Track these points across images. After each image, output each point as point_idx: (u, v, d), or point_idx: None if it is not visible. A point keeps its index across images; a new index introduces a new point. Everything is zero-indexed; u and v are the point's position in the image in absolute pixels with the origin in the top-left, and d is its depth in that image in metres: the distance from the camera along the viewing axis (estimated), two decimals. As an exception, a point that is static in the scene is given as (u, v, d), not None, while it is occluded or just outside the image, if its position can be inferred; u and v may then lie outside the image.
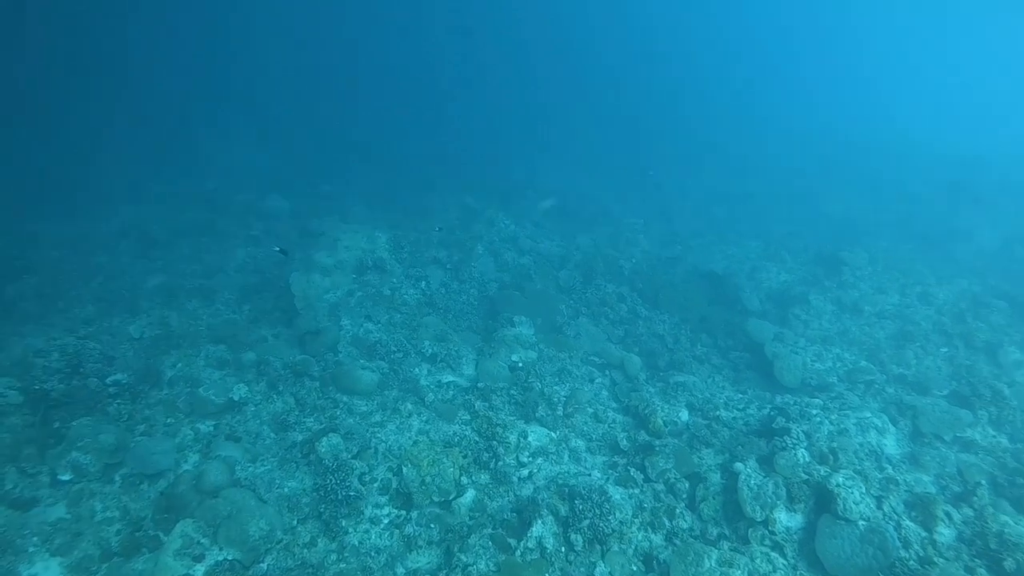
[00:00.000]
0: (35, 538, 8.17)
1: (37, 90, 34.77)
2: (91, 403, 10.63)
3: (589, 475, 10.92)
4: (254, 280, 16.93)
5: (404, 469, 9.96)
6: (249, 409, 11.50)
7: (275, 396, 11.99)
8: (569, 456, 11.53)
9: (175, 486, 9.01)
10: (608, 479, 10.78)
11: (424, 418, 12.17)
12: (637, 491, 10.36)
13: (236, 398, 11.48)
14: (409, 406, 12.41)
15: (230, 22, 51.95)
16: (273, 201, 23.25)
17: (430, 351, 14.52)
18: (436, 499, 9.88)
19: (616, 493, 10.12)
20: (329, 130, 39.17)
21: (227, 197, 23.91)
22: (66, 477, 9.16)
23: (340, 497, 9.48)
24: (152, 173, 26.70)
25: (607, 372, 14.75)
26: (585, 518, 9.30)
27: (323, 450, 10.15)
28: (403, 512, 9.72)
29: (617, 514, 9.46)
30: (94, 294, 15.09)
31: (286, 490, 9.78)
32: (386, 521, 9.62)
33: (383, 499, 9.94)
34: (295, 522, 9.23)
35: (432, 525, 9.53)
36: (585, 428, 12.34)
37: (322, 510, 9.42)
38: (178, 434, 10.61)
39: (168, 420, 10.96)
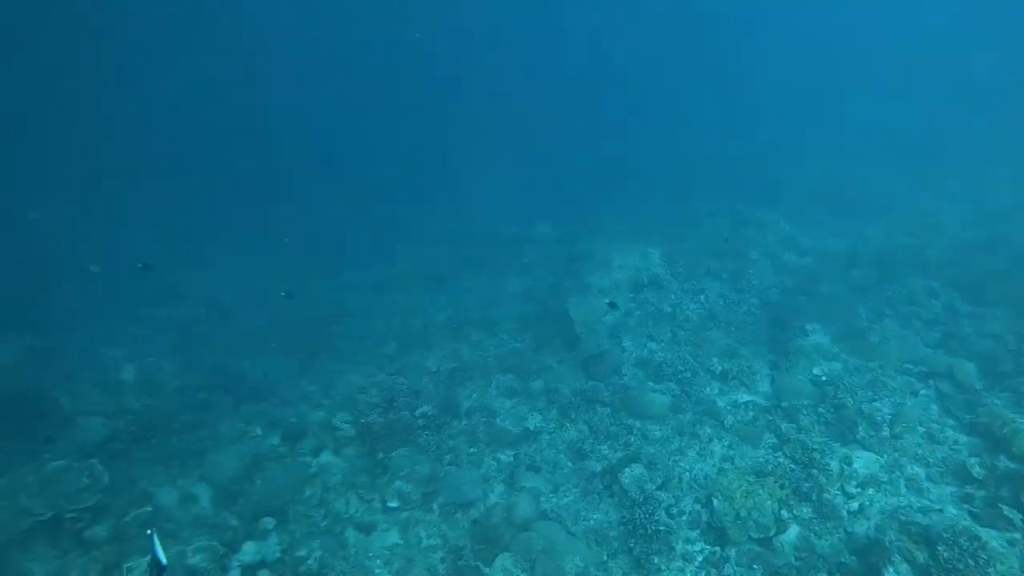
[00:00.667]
0: (378, 560, 9.35)
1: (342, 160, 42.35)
2: (405, 435, 12.03)
3: (941, 511, 8.94)
4: (531, 308, 17.84)
5: (715, 502, 9.22)
6: (544, 438, 11.90)
7: (568, 424, 12.25)
8: (906, 486, 9.73)
9: (488, 517, 9.60)
10: (970, 517, 8.71)
11: (726, 443, 11.31)
12: (1019, 536, 8.18)
13: (531, 427, 11.98)
14: (708, 430, 11.66)
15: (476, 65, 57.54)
16: (538, 228, 24.60)
17: (719, 368, 13.64)
18: (754, 535, 8.98)
19: (990, 537, 8.05)
20: (572, 154, 40.65)
21: (492, 230, 26.07)
22: (394, 504, 10.38)
23: (649, 532, 9.11)
24: (424, 214, 30.45)
25: (930, 382, 12.39)
26: (956, 570, 7.52)
27: (627, 481, 9.94)
28: (718, 549, 8.98)
29: (999, 566, 7.49)
30: (395, 332, 17.38)
31: (592, 523, 9.76)
32: (700, 559, 9.00)
33: (694, 534, 9.33)
34: (605, 557, 9.11)
35: (755, 566, 8.66)
36: (919, 451, 10.43)
37: (631, 545, 9.15)
38: (482, 464, 11.39)
39: (471, 450, 11.86)
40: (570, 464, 11.34)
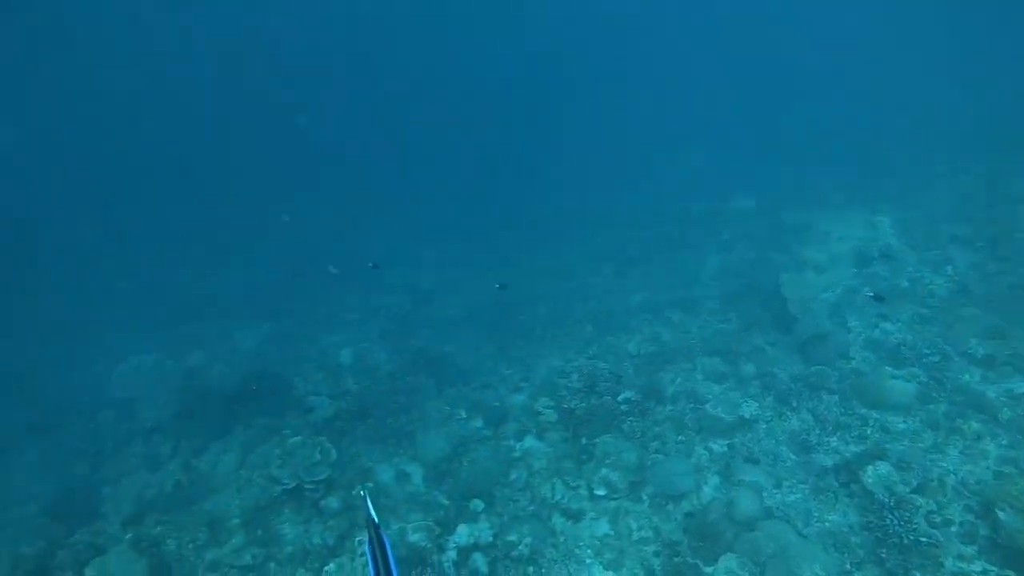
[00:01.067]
0: (589, 550, 9.38)
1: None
2: (608, 420, 11.93)
3: None
4: (735, 286, 16.82)
5: (1000, 514, 7.87)
6: (761, 427, 11.11)
7: (788, 412, 11.32)
8: None
9: (706, 513, 9.17)
10: None
11: (1003, 441, 9.65)
12: None
13: (746, 415, 11.26)
14: (974, 425, 10.03)
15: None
16: (737, 202, 23.16)
17: (980, 352, 11.70)
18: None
19: None
20: (772, 118, 37.64)
21: (684, 208, 25.03)
22: (601, 492, 10.34)
23: (907, 542, 8.05)
24: (613, 198, 30.10)
25: None
26: None
27: (870, 480, 8.90)
28: (1008, 573, 7.66)
29: None
30: (590, 315, 17.37)
31: (827, 525, 8.88)
32: (983, 583, 7.77)
33: (969, 550, 8.06)
34: (849, 567, 8.24)
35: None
36: None
37: (883, 555, 8.15)
38: (692, 453, 10.93)
39: (679, 438, 11.43)
40: (794, 457, 10.45)
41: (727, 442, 11.02)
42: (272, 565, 9.55)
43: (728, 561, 8.20)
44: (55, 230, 30.17)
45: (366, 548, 3.87)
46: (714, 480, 10.24)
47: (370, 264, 13.63)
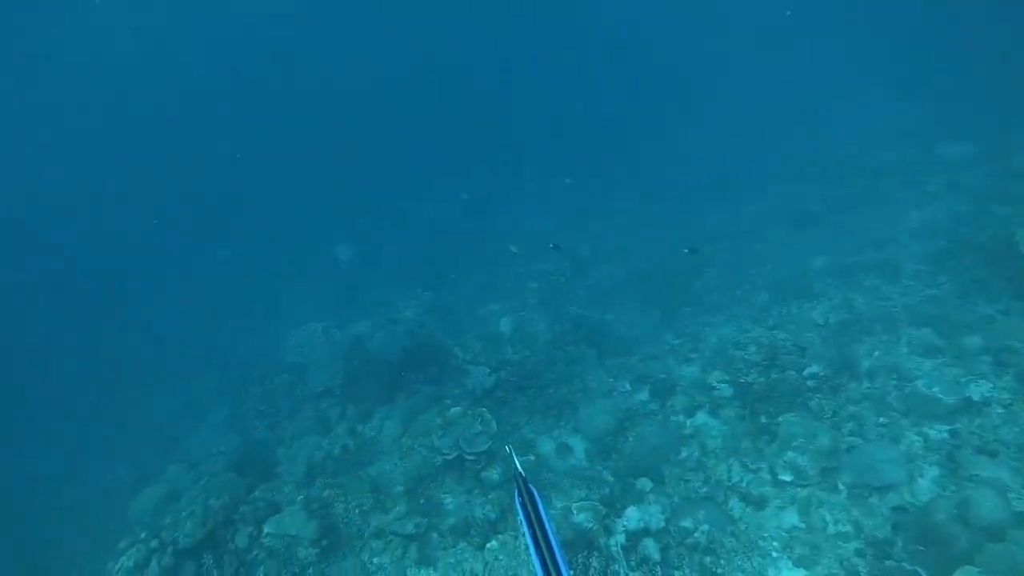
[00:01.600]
0: (775, 543, 8.16)
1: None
2: (792, 397, 10.44)
3: None
4: (943, 245, 14.19)
5: None
6: (996, 412, 9.05)
7: (1037, 395, 9.15)
8: None
9: (928, 512, 7.53)
10: None
11: None
12: None
13: (975, 397, 9.24)
14: None
15: None
16: (946, 149, 19.71)
17: None
18: None
19: None
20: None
21: (872, 159, 21.79)
22: (787, 477, 9.00)
23: None
24: (786, 151, 27.11)
25: None
26: None
27: None
28: None
29: None
30: (765, 280, 15.60)
31: (1101, 540, 6.95)
32: None
33: None
34: None
35: None
36: None
37: None
38: (901, 439, 9.18)
39: (880, 420, 9.69)
40: (1046, 450, 8.39)
41: (948, 428, 9.11)
42: (435, 535, 9.40)
43: (966, 574, 6.58)
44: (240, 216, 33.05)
45: (516, 502, 3.71)
46: (933, 472, 8.46)
47: (551, 245, 13.20)
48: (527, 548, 3.43)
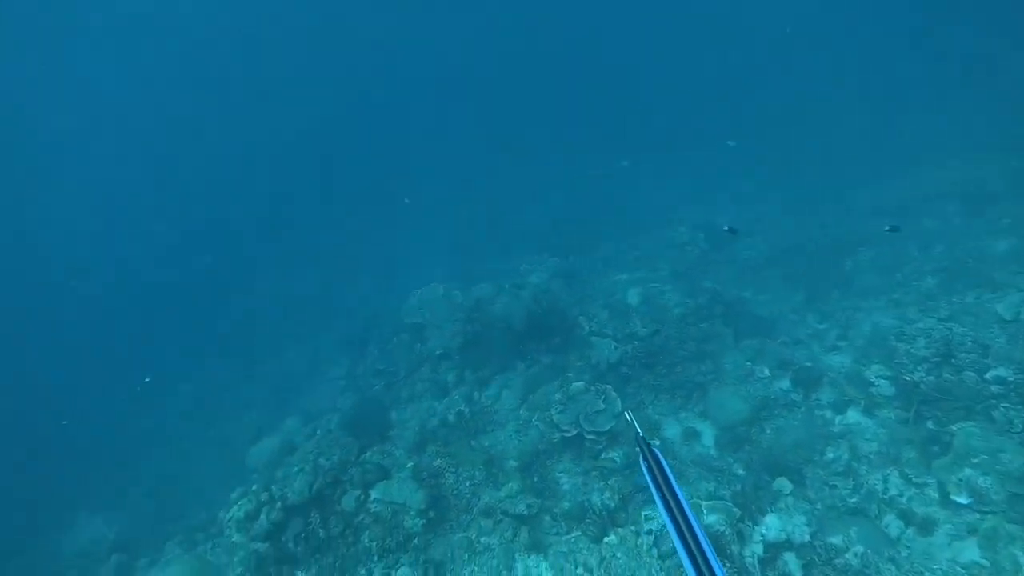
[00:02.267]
0: (946, 579, 6.95)
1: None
2: (970, 403, 8.87)
3: None
4: None
5: None
6: None
7: None
8: None
9: None
10: None
11: None
12: None
13: None
14: None
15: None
16: None
17: None
18: None
19: None
20: None
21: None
22: (962, 500, 7.64)
23: None
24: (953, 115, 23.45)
25: None
26: None
27: None
28: None
29: None
30: (934, 264, 13.53)
31: None
32: None
33: None
34: None
35: None
36: None
37: None
38: (1117, 468, 7.51)
39: (1088, 441, 8.00)
40: None
41: None
42: (547, 519, 8.94)
43: None
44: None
45: (642, 467, 3.51)
46: None
47: (725, 228, 12.16)
48: (660, 516, 3.46)
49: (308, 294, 24.08)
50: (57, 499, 15.88)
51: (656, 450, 3.46)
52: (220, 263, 28.57)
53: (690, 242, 16.53)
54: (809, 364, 11.01)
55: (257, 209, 34.26)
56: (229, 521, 9.60)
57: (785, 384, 10.91)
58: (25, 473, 17.02)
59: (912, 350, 9.65)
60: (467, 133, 38.90)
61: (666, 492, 3.16)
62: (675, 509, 3.00)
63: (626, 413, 4.54)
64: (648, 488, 3.41)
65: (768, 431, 9.96)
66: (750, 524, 7.96)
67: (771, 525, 7.87)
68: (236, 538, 9.41)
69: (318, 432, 12.14)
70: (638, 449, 3.57)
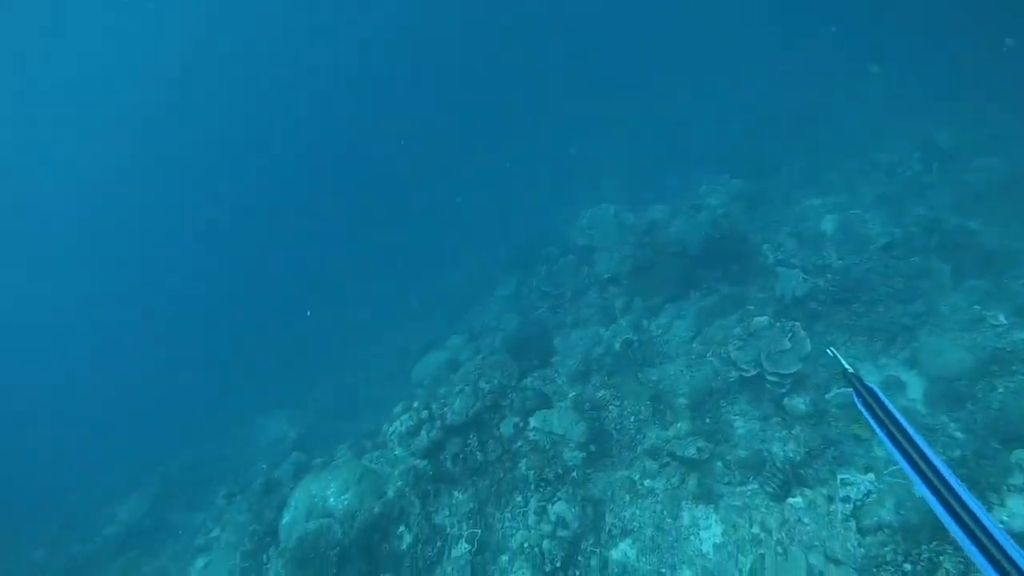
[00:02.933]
0: None
1: None
2: None
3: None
4: None
5: None
6: None
7: None
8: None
9: None
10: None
11: None
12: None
13: None
14: None
15: None
16: None
17: None
18: None
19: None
20: None
21: None
22: None
23: None
24: None
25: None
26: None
27: None
28: None
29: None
30: None
31: None
32: None
33: None
34: None
35: None
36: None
37: None
38: None
39: None
40: None
41: None
42: (718, 465, 8.06)
43: None
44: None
45: (860, 408, 3.02)
46: None
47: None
48: (893, 457, 2.93)
49: (481, 215, 24.29)
50: (257, 400, 17.87)
51: (871, 384, 2.98)
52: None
53: (901, 163, 13.86)
54: (1065, 312, 8.81)
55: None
56: (391, 435, 9.89)
57: (1027, 335, 8.87)
58: (234, 370, 19.38)
59: None
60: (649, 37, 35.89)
61: (894, 430, 2.66)
62: (908, 447, 2.53)
63: (828, 349, 4.11)
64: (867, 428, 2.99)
65: (1000, 390, 8.16)
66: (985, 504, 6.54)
67: (1013, 509, 6.38)
68: (398, 451, 9.69)
69: (481, 352, 12.11)
70: (850, 388, 3.11)
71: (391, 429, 10.19)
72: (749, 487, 7.61)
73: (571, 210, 16.78)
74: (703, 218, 11.79)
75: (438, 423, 9.71)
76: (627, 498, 8.08)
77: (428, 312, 19.17)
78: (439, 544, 8.71)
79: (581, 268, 13.67)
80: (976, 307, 9.61)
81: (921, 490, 2.38)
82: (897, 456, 2.59)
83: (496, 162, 27.63)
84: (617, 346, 11.05)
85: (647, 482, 8.13)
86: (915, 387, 8.90)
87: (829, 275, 10.88)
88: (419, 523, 8.83)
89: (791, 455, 7.63)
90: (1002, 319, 9.22)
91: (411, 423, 9.90)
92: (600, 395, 9.53)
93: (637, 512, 7.92)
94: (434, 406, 10.07)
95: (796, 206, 13.65)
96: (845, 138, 16.48)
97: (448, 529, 8.96)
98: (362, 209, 30.71)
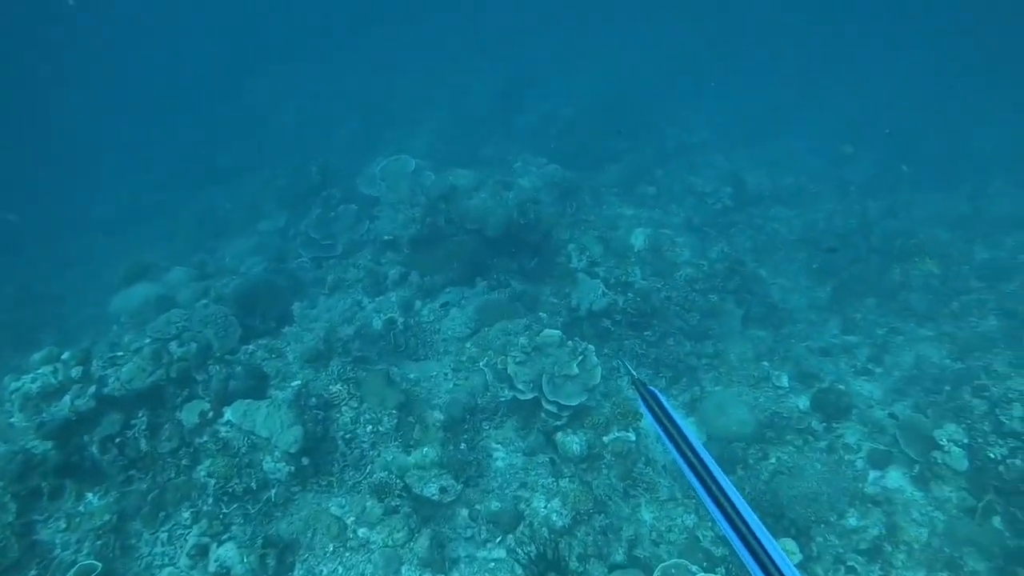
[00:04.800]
0: None
1: None
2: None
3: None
4: None
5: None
6: None
7: None
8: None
9: None
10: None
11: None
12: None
13: None
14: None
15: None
16: None
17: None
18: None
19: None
20: None
21: None
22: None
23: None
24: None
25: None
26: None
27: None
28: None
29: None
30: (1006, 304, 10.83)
31: None
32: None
33: None
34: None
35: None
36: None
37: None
38: None
39: None
40: None
41: None
42: (463, 514, 6.00)
43: None
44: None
45: (643, 411, 3.14)
46: None
47: (825, 247, 9.01)
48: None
49: (284, 130, 20.23)
50: None
51: (655, 390, 2.84)
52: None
53: (714, 193, 13.25)
54: (842, 388, 8.28)
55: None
56: (14, 393, 6.43)
57: (804, 402, 8.24)
58: None
59: (1004, 417, 6.93)
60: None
61: (674, 433, 2.52)
62: (686, 450, 2.40)
63: (616, 358, 5.01)
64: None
65: (773, 460, 7.32)
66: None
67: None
68: (16, 418, 6.30)
69: (208, 296, 8.91)
70: (636, 392, 2.97)
71: (17, 385, 6.67)
72: (494, 554, 5.72)
73: (372, 155, 13.95)
74: (511, 199, 9.78)
75: (92, 388, 6.51)
76: (330, 548, 5.71)
77: (181, 230, 15.02)
78: (32, 576, 5.64)
79: (361, 222, 10.99)
80: (763, 363, 8.89)
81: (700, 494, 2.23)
82: (676, 457, 2.48)
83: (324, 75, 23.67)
84: (378, 325, 8.64)
85: (362, 531, 5.81)
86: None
87: (631, 294, 9.55)
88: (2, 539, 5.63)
89: (554, 518, 5.88)
90: (784, 382, 8.54)
91: (51, 381, 6.55)
92: (335, 390, 6.97)
93: (339, 570, 5.62)
94: (97, 363, 6.79)
95: (608, 210, 12.34)
96: (669, 151, 15.78)
97: (55, 552, 5.88)
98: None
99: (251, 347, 7.29)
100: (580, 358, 7.22)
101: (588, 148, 15.05)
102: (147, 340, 7.01)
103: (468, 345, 7.91)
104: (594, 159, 14.70)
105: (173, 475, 6.33)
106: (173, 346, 6.74)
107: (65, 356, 6.60)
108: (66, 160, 21.72)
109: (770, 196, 13.61)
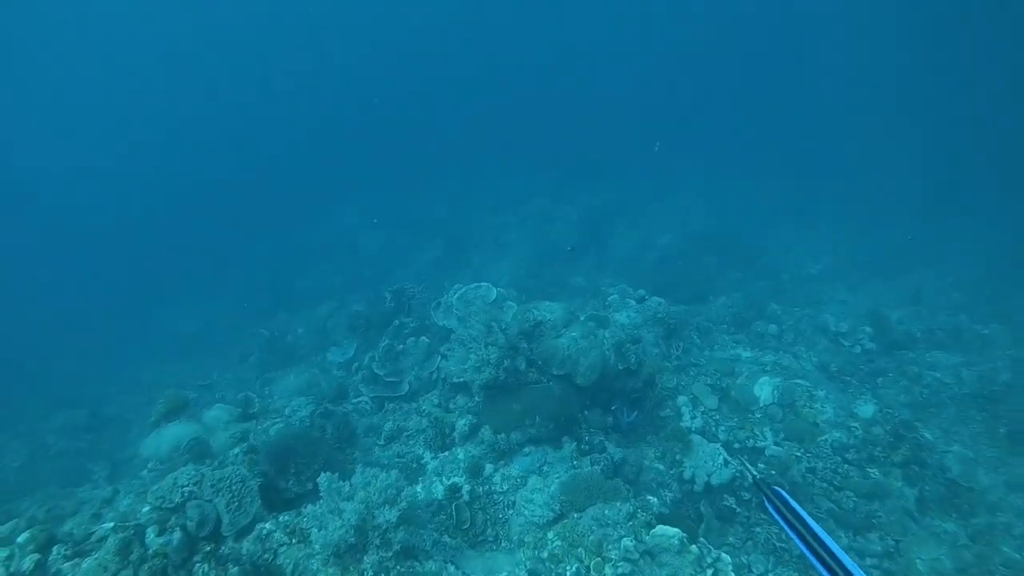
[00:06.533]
0: None
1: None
2: None
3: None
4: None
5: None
6: None
7: None
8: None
9: None
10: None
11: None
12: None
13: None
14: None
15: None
16: None
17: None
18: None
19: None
20: None
21: None
22: None
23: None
24: None
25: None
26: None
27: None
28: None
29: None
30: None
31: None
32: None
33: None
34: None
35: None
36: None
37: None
38: None
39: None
40: None
41: None
42: None
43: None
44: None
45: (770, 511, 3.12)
46: None
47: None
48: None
49: (370, 251, 20.06)
50: None
51: (781, 490, 3.05)
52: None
53: (850, 333, 10.94)
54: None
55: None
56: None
57: None
58: None
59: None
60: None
61: (803, 532, 2.74)
62: (816, 545, 2.62)
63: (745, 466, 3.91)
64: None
65: None
66: None
67: None
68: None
69: (246, 441, 7.47)
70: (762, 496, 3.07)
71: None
72: None
73: (453, 283, 12.81)
74: (606, 337, 8.01)
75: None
76: None
77: (243, 350, 14.27)
78: None
79: (432, 357, 9.48)
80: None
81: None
82: (806, 553, 2.64)
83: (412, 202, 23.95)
84: (438, 492, 6.77)
85: None
86: None
87: (762, 464, 7.30)
88: None
89: None
90: None
91: (-2, 574, 5.03)
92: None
93: None
94: (59, 550, 5.19)
95: (721, 351, 10.25)
96: (784, 283, 13.72)
97: None
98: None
99: (268, 525, 5.54)
100: (710, 572, 5.03)
101: (690, 279, 13.26)
102: (145, 508, 5.47)
103: (551, 536, 5.82)
104: (697, 292, 12.87)
105: None
106: (150, 534, 5.08)
107: (22, 539, 5.08)
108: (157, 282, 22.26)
109: (923, 338, 11.08)
